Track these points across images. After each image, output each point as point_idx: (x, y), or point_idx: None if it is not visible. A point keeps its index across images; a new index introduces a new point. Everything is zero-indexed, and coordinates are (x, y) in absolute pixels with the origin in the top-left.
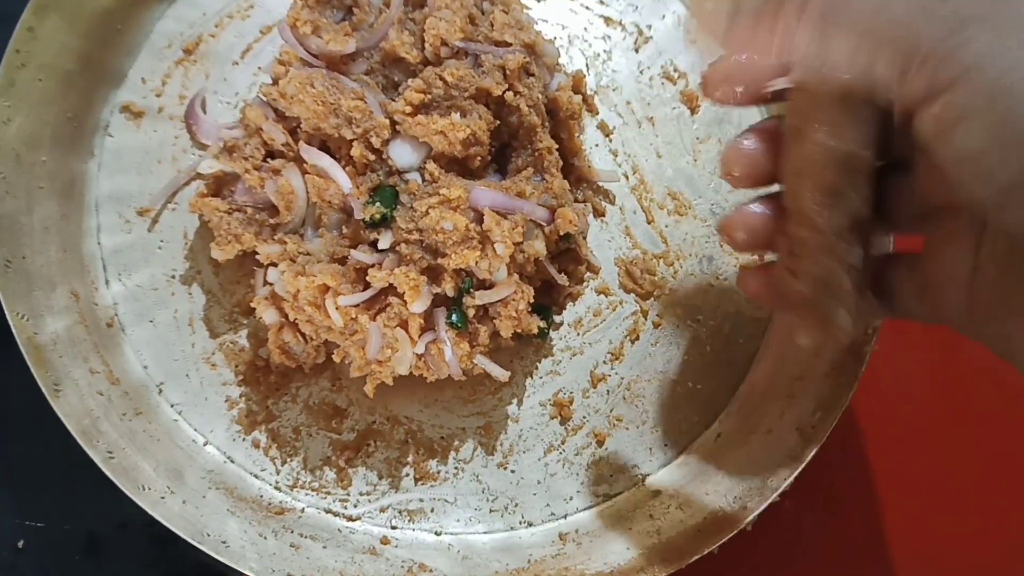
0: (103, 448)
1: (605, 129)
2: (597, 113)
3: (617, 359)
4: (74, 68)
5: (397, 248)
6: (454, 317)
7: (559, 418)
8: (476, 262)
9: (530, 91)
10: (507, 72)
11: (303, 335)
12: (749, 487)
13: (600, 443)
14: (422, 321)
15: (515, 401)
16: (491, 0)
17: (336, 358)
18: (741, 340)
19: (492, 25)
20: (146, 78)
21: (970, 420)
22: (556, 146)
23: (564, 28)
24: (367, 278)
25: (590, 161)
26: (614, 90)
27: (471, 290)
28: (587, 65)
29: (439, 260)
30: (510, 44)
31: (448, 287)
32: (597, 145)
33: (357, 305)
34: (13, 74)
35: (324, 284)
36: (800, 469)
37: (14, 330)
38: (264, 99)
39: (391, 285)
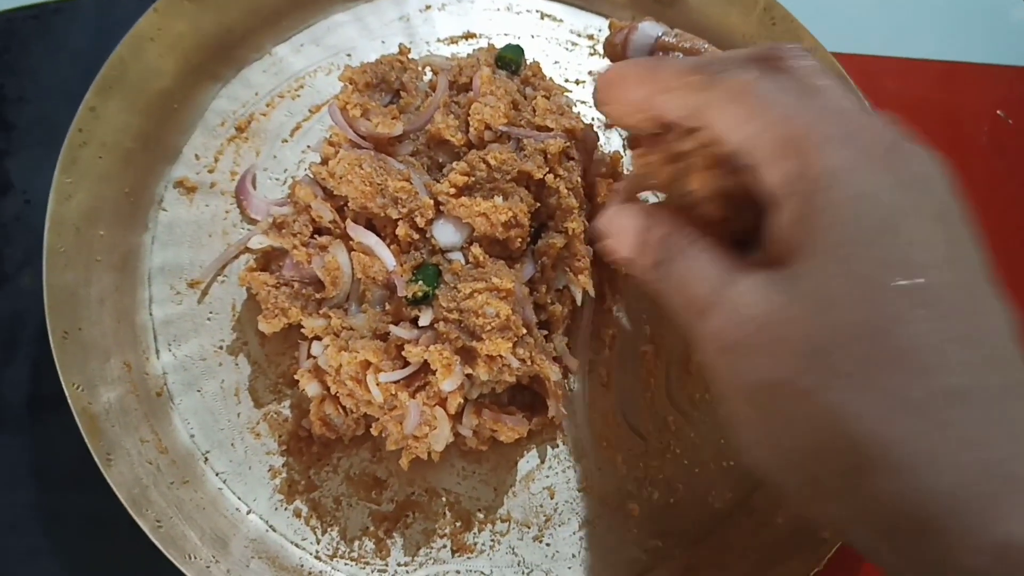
0: (152, 517)
1: None
2: None
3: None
4: (133, 146)
5: (435, 325)
6: None
7: (594, 492)
8: (509, 352)
9: (569, 174)
10: (548, 156)
11: (344, 408)
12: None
13: (634, 517)
14: (462, 400)
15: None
16: (533, 86)
17: (374, 431)
18: None
19: (534, 110)
20: (200, 154)
21: None
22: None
23: None
24: (403, 354)
25: None
26: None
27: None
28: (624, 147)
29: (474, 343)
30: (551, 129)
31: (481, 371)
32: None
33: (397, 382)
34: (76, 152)
35: (366, 360)
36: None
37: (70, 400)
38: (313, 178)
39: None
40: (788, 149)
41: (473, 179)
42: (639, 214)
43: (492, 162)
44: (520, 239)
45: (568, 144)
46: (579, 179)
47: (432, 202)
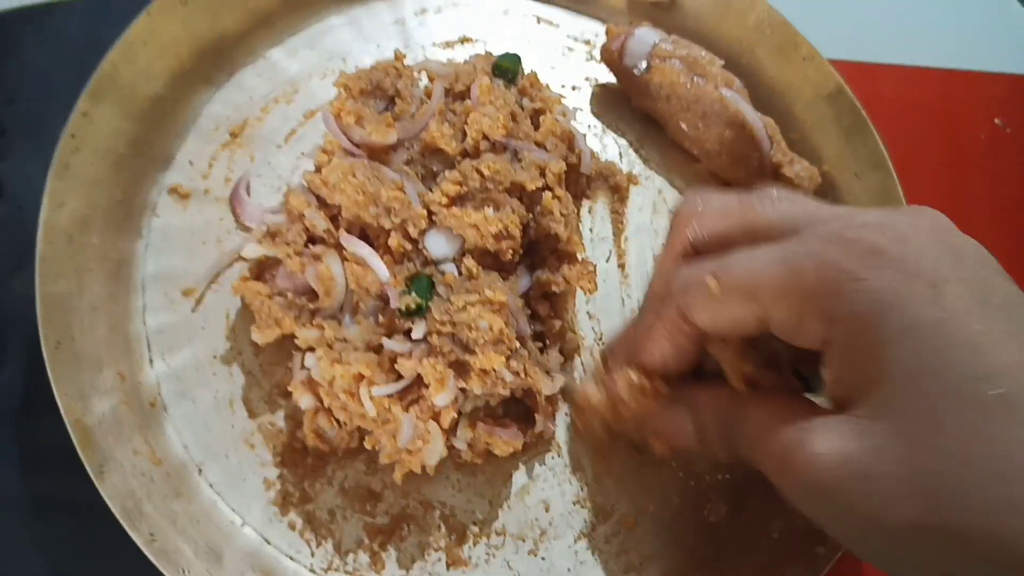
0: (145, 530)
1: None
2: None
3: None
4: (125, 152)
5: (428, 338)
6: None
7: (589, 505)
8: (503, 366)
9: (564, 203)
10: (547, 174)
11: (337, 420)
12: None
13: (629, 530)
14: (455, 414)
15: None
16: (531, 96)
17: (367, 445)
18: None
19: (532, 123)
20: (193, 161)
21: None
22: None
23: (599, 117)
24: (396, 367)
25: None
26: (647, 178)
27: None
28: (620, 154)
29: (468, 357)
30: (549, 150)
31: (475, 385)
32: None
33: (390, 395)
34: (68, 158)
35: (359, 373)
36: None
37: (63, 412)
38: (307, 186)
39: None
40: (807, 307)
41: (466, 189)
42: (681, 409)
43: (486, 172)
44: (512, 251)
45: (565, 167)
46: (573, 209)
47: (425, 212)
